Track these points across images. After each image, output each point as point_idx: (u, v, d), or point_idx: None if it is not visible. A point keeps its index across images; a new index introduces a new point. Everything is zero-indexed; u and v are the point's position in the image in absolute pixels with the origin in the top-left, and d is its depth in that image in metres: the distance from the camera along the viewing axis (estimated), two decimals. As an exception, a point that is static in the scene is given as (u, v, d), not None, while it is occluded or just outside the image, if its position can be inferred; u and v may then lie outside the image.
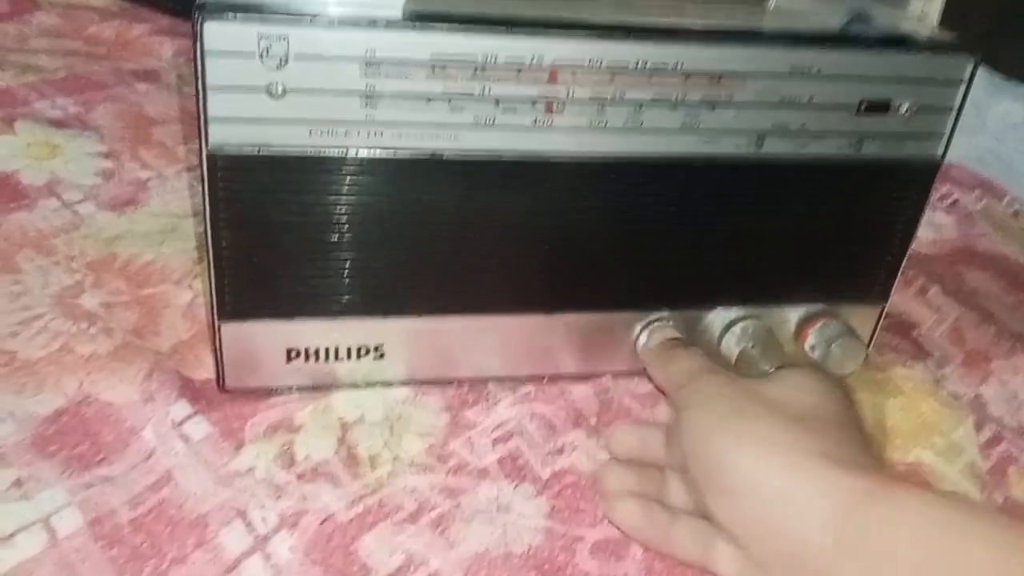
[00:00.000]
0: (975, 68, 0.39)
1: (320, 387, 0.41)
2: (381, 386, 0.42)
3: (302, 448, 0.39)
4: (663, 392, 0.41)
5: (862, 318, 0.45)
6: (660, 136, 0.37)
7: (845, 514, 0.30)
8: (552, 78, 0.35)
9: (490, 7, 0.35)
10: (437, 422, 0.41)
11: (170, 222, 0.52)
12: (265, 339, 0.39)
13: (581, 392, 0.44)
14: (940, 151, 0.41)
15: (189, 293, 0.46)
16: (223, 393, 0.40)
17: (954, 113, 0.40)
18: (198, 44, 0.32)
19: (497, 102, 0.35)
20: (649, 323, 0.43)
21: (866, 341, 0.45)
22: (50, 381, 0.40)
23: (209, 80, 0.33)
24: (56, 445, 0.37)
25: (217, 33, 0.32)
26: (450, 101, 0.35)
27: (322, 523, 0.36)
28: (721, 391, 0.36)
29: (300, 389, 0.41)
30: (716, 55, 0.36)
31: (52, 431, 0.37)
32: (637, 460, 0.40)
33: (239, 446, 0.38)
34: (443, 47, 0.34)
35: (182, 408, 0.39)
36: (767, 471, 0.32)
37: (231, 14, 0.32)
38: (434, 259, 0.39)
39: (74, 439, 0.37)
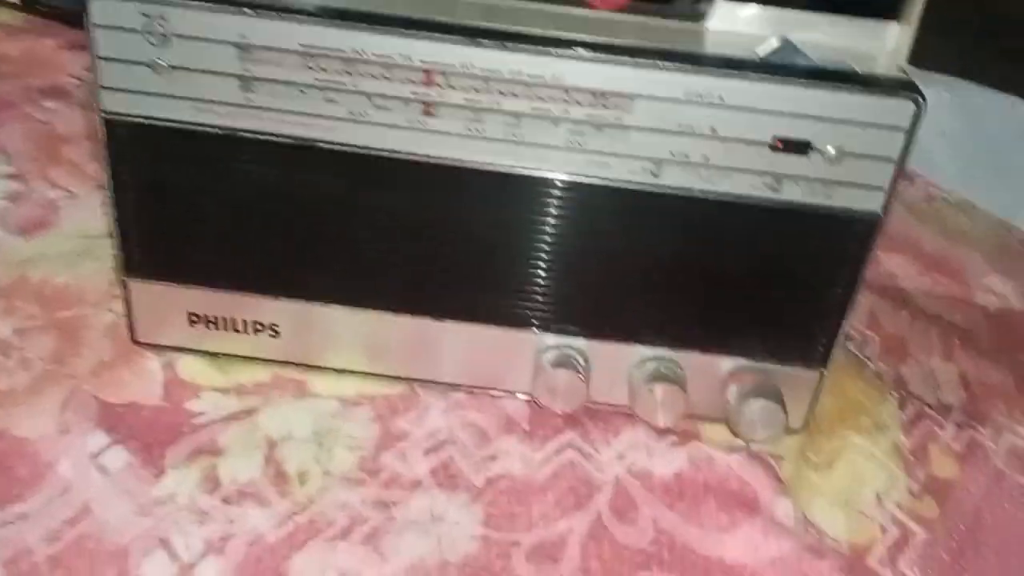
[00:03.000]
0: (917, 115, 0.34)
1: (222, 353, 0.43)
2: (276, 365, 0.43)
3: (226, 470, 0.38)
4: None
5: (798, 383, 0.41)
6: (543, 152, 0.36)
7: None
8: (428, 79, 0.35)
9: (420, 11, 0.35)
10: (367, 434, 0.41)
11: (83, 243, 0.50)
12: (168, 300, 0.41)
13: (513, 399, 0.43)
14: (879, 205, 0.36)
15: (109, 315, 0.45)
16: (135, 344, 0.42)
17: (894, 164, 0.35)
18: (86, 17, 0.34)
19: (369, 98, 0.35)
20: (554, 347, 0.41)
21: (803, 409, 0.42)
22: (-41, 417, 0.38)
23: (98, 51, 0.35)
24: (-34, 483, 0.35)
25: (103, 9, 0.34)
26: (323, 92, 0.35)
27: (250, 546, 0.35)
28: None
29: (203, 353, 0.43)
30: (596, 71, 0.34)
31: (-38, 469, 0.36)
32: None
33: (159, 473, 0.37)
34: (311, 38, 0.34)
35: (99, 438, 0.38)
36: None
37: None
38: (317, 247, 0.39)
39: (-14, 476, 0.36)
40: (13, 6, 0.77)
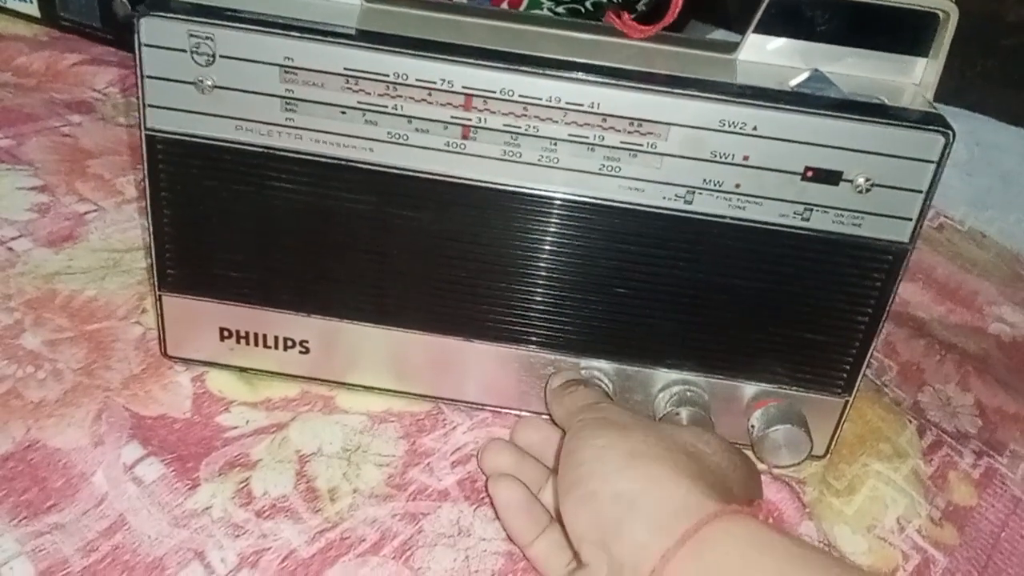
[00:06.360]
0: (946, 148, 0.35)
1: (251, 368, 0.43)
2: (304, 381, 0.43)
3: (260, 484, 0.38)
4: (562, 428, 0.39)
5: (823, 410, 0.41)
6: (578, 176, 0.37)
7: (689, 528, 0.29)
8: (467, 104, 0.36)
9: (460, 37, 0.36)
10: (395, 451, 0.41)
11: (111, 257, 0.50)
12: (200, 315, 0.42)
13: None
14: (907, 236, 0.37)
15: (138, 328, 0.45)
16: (164, 358, 0.43)
17: (923, 196, 0.36)
18: (136, 36, 0.35)
19: (409, 120, 0.36)
20: (580, 370, 0.41)
21: (827, 436, 0.42)
22: (-7, 426, 0.38)
23: (145, 70, 0.36)
24: (3, 491, 0.36)
25: (152, 28, 0.35)
26: (364, 114, 0.36)
27: (283, 560, 0.35)
28: (608, 416, 0.35)
29: (235, 368, 0.43)
30: (633, 99, 0.35)
31: (-3, 477, 0.36)
32: (535, 456, 0.40)
33: (194, 486, 0.37)
34: (355, 61, 0.35)
35: (134, 450, 0.38)
36: (630, 480, 0.31)
37: (166, 12, 0.35)
38: (350, 266, 0.40)
39: (22, 485, 0.36)
40: (35, 20, 0.78)
